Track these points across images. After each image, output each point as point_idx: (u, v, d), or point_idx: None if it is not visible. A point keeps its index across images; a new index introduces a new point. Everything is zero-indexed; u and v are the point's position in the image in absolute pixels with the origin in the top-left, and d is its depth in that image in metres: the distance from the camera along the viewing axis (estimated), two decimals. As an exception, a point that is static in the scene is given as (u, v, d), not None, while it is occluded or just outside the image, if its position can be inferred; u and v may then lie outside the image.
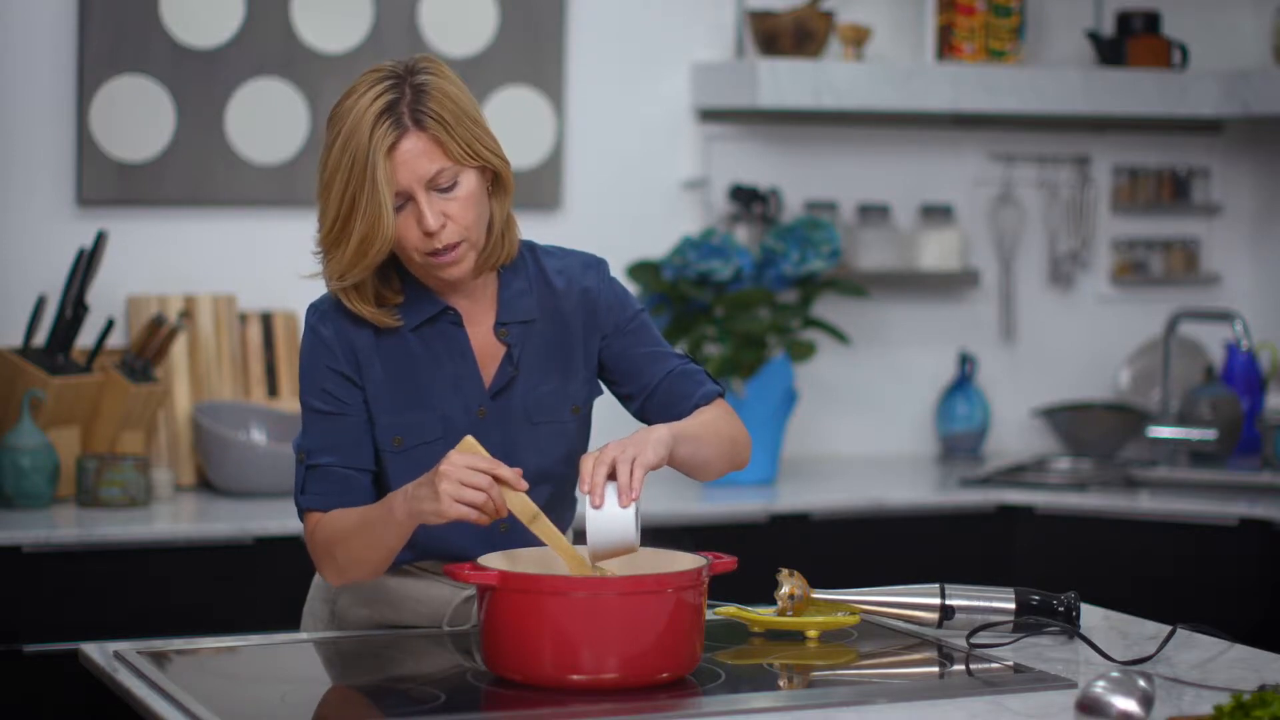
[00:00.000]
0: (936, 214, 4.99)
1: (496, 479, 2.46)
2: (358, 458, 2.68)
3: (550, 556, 2.54)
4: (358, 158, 2.56)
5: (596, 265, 2.81)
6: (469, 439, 2.50)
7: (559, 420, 2.75)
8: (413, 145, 2.58)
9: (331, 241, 2.62)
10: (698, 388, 2.77)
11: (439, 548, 2.71)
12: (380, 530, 2.57)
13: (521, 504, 2.49)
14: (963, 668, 2.59)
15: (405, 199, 2.59)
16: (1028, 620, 2.74)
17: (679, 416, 2.72)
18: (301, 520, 2.70)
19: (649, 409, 2.78)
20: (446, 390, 2.70)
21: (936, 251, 4.96)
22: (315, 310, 2.72)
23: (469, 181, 2.62)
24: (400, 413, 2.68)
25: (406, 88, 2.59)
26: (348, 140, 2.58)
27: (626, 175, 4.73)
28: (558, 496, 2.78)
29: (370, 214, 2.57)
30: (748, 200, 4.75)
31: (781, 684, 2.55)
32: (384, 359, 2.69)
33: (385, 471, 2.70)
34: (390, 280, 2.70)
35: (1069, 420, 5.01)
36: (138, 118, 4.31)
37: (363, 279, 2.65)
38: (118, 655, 2.60)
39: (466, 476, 2.44)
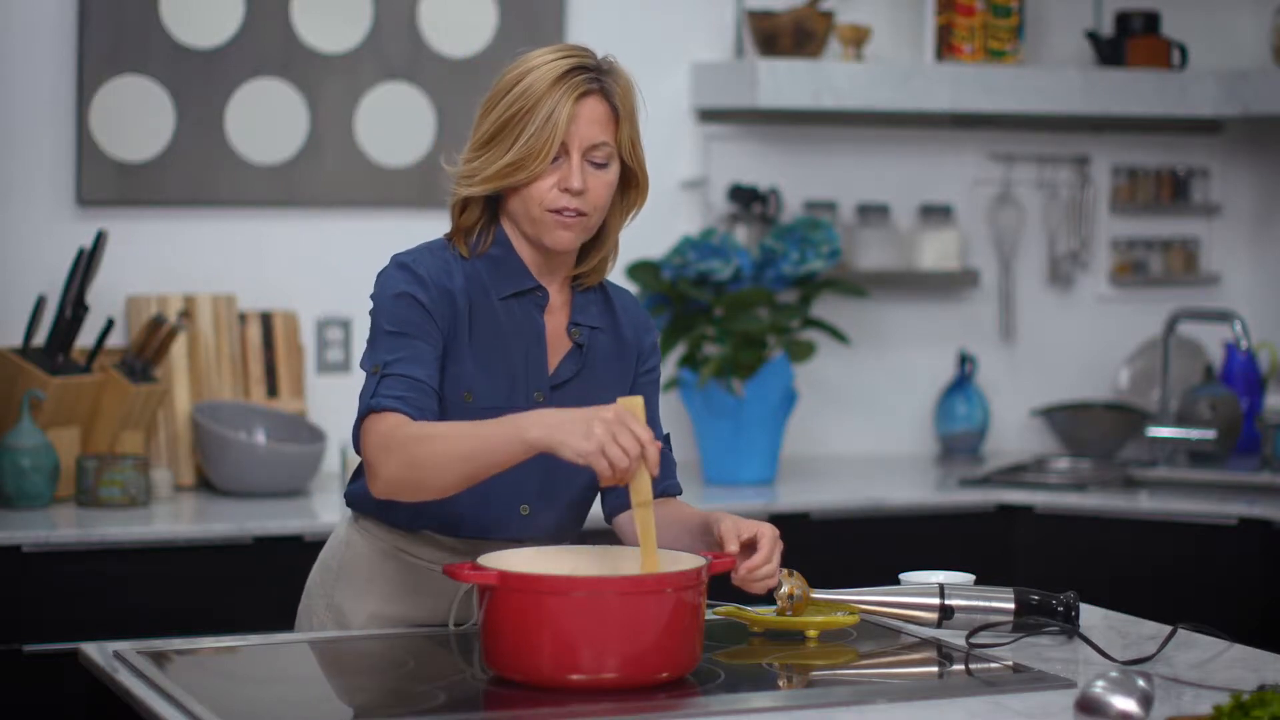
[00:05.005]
0: (936, 214, 4.99)
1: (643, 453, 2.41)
2: (433, 375, 2.63)
3: (555, 557, 2.54)
4: (541, 95, 2.62)
5: (651, 320, 2.89)
6: (638, 399, 2.45)
7: None
8: (595, 108, 2.66)
9: (480, 146, 2.67)
10: (667, 477, 2.83)
11: (453, 519, 2.70)
12: (493, 443, 2.47)
13: (643, 484, 2.44)
14: (962, 667, 2.59)
15: (561, 154, 2.65)
16: (1027, 620, 2.74)
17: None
18: (356, 433, 2.59)
19: None
20: (517, 366, 2.70)
21: (936, 251, 4.95)
22: (407, 255, 2.70)
23: (614, 171, 2.69)
24: (478, 369, 2.68)
25: (599, 65, 2.68)
26: (533, 81, 2.64)
27: (626, 175, 4.72)
28: (580, 507, 2.79)
29: (532, 146, 2.62)
30: (747, 200, 4.75)
31: (781, 684, 2.55)
32: (473, 314, 2.69)
33: None
34: (489, 228, 2.73)
35: (1068, 420, 5.01)
36: (138, 118, 4.31)
37: (483, 195, 2.69)
38: (118, 655, 2.60)
39: (623, 435, 2.39)
